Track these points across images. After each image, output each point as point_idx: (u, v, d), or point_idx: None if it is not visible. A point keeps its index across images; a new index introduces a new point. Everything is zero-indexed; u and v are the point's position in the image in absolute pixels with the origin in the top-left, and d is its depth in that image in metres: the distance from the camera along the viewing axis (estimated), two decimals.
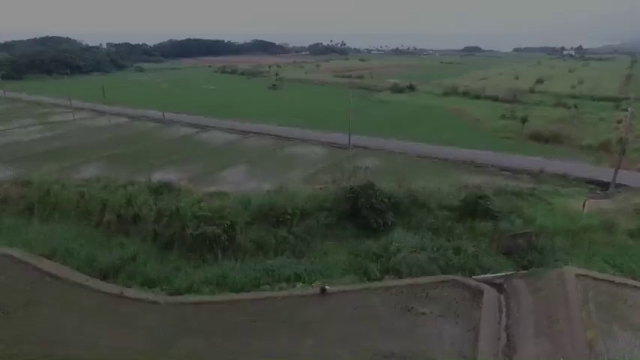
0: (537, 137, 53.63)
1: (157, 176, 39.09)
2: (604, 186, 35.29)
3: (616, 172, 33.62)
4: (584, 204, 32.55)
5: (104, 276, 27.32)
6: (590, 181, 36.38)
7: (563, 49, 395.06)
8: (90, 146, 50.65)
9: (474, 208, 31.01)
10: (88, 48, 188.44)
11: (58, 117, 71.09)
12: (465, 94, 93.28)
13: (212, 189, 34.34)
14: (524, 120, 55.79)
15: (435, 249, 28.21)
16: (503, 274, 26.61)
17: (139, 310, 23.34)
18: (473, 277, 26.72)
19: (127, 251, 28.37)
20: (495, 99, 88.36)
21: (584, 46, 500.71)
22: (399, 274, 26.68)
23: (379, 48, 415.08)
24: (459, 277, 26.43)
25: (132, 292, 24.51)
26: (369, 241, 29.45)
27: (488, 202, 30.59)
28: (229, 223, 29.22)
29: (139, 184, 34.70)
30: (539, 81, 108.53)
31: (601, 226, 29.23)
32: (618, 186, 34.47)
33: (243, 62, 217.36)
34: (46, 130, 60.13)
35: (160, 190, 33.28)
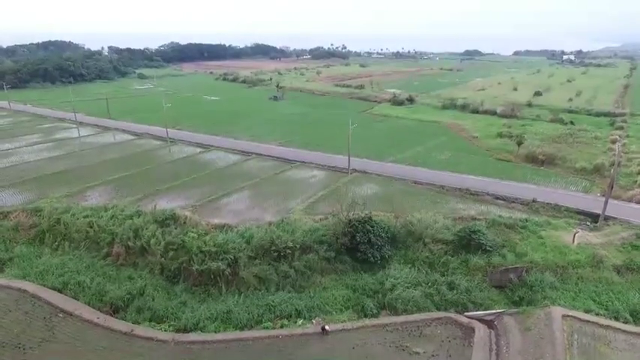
0: (532, 159, 54.73)
1: (163, 203, 40.47)
2: (594, 217, 36.47)
3: (605, 206, 34.81)
4: (574, 237, 33.79)
5: (114, 310, 28.68)
6: (580, 212, 37.60)
7: (563, 53, 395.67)
8: (96, 168, 51.89)
9: (467, 242, 32.31)
10: (91, 55, 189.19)
11: (64, 133, 72.41)
12: (464, 107, 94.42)
13: (216, 221, 35.59)
14: (519, 143, 57.07)
15: (429, 284, 29.53)
16: (494, 311, 27.96)
17: (149, 349, 24.64)
18: (465, 313, 28.04)
19: (136, 285, 29.66)
20: (493, 113, 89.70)
21: (585, 49, 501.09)
22: (394, 310, 28.02)
23: (379, 51, 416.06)
24: (452, 314, 27.78)
25: (141, 330, 25.85)
26: (366, 275, 30.75)
27: (481, 237, 31.85)
28: (233, 258, 30.57)
29: (145, 215, 35.93)
30: (538, 93, 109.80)
31: (589, 262, 30.54)
32: (607, 218, 35.67)
33: (244, 68, 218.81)
34: (53, 149, 61.39)
35: (167, 221, 34.56)
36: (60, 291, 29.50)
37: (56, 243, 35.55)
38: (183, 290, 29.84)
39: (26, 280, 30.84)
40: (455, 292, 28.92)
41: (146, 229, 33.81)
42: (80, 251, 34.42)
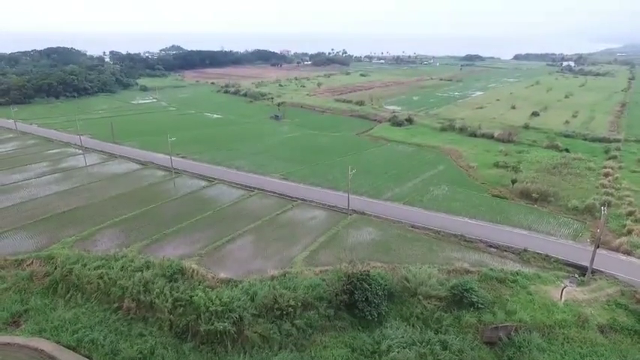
0: (526, 195, 56.43)
1: (169, 249, 42.44)
2: (582, 270, 38.16)
3: (592, 262, 36.48)
4: (561, 292, 35.50)
5: None
6: (569, 264, 39.25)
7: (562, 58, 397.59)
8: (104, 205, 53.39)
9: (460, 299, 34.04)
10: (94, 66, 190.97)
11: (71, 161, 73.68)
12: (462, 130, 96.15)
13: (222, 275, 37.26)
14: (514, 181, 58.91)
15: (423, 343, 31.21)
16: None
17: None
18: None
19: (147, 345, 31.42)
20: (491, 137, 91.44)
21: (585, 50, 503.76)
22: None
23: (380, 56, 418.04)
24: None
25: None
26: (364, 334, 32.43)
27: (473, 295, 33.58)
28: (238, 317, 32.32)
29: (154, 267, 37.66)
30: (535, 114, 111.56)
31: (575, 321, 32.25)
32: (594, 271, 37.33)
33: (245, 76, 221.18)
34: (61, 181, 62.84)
35: (174, 276, 36.31)
36: (74, 349, 31.34)
37: (69, 294, 37.33)
38: (191, 349, 31.52)
39: (42, 335, 32.76)
40: (447, 351, 30.59)
41: (155, 283, 35.57)
42: (92, 303, 36.19)
